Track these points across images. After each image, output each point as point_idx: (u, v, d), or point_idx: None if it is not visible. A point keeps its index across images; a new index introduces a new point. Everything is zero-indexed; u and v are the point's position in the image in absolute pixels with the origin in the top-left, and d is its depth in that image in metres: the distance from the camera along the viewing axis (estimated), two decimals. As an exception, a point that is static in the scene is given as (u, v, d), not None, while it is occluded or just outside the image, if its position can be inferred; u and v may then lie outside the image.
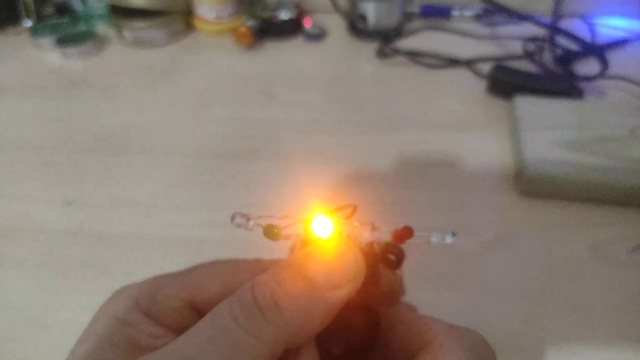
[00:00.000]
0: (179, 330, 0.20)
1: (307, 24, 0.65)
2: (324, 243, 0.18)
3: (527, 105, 0.46)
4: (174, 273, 0.22)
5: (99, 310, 0.20)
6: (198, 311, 0.21)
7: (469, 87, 0.54)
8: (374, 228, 0.19)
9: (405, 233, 0.19)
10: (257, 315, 0.16)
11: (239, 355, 0.16)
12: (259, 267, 0.22)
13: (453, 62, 0.58)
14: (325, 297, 0.17)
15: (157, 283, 0.21)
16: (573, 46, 0.56)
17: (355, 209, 0.20)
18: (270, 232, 0.19)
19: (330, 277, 0.17)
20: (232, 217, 0.20)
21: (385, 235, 0.20)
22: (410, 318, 0.20)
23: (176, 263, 0.37)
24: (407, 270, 0.28)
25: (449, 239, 0.19)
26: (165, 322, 0.20)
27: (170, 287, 0.21)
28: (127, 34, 0.65)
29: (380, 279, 0.20)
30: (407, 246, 0.20)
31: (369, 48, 0.62)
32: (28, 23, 0.70)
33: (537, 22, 0.57)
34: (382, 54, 0.60)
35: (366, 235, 0.19)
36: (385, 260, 0.22)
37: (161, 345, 0.17)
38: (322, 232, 0.19)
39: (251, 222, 0.20)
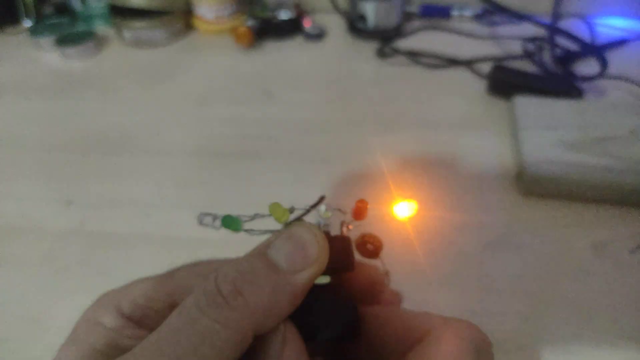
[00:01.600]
0: None
1: (307, 24, 0.65)
2: (285, 229, 0.19)
3: (527, 105, 0.46)
4: (156, 275, 0.22)
5: (81, 316, 0.20)
6: None
7: (469, 87, 0.54)
8: (333, 209, 0.20)
9: (361, 206, 0.20)
10: (221, 303, 0.16)
11: (206, 343, 0.16)
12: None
13: (453, 62, 0.58)
14: (290, 280, 0.17)
15: (139, 287, 0.21)
16: (573, 46, 0.56)
17: (322, 199, 0.21)
18: (229, 223, 0.20)
19: (292, 261, 0.18)
20: (199, 218, 0.21)
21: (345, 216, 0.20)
22: (404, 313, 0.20)
23: (176, 263, 0.37)
24: (408, 269, 0.28)
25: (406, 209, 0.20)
26: (149, 325, 0.20)
27: (152, 290, 0.21)
28: (127, 34, 0.65)
29: (354, 263, 0.20)
30: (405, 246, 0.20)
31: (369, 48, 0.62)
32: (28, 23, 0.70)
33: (537, 22, 0.57)
34: (382, 53, 0.60)
35: (327, 216, 0.20)
36: (363, 251, 0.22)
37: None
38: (278, 216, 0.20)
39: (217, 221, 0.20)
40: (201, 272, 0.22)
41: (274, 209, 0.20)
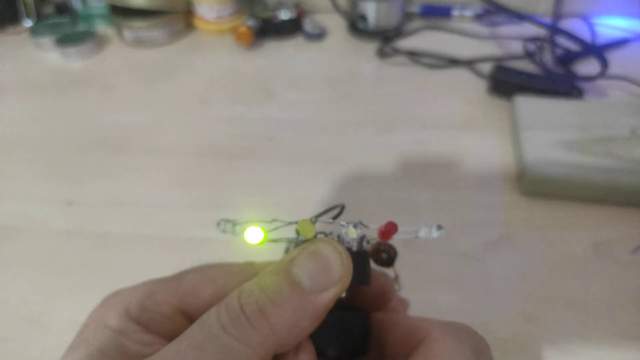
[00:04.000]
0: (169, 337, 0.20)
1: (307, 24, 0.65)
2: (309, 245, 0.18)
3: (528, 105, 0.46)
4: (164, 278, 0.22)
5: (89, 317, 0.20)
6: (189, 318, 0.21)
7: (469, 87, 0.54)
8: (360, 226, 0.19)
9: (390, 229, 0.19)
10: (244, 323, 0.16)
11: None
12: (250, 271, 0.22)
13: (453, 62, 0.58)
14: (313, 300, 0.17)
15: (147, 289, 0.21)
16: (573, 46, 0.56)
17: (342, 208, 0.20)
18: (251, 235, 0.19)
19: (316, 281, 0.17)
20: (218, 225, 0.20)
21: (372, 232, 0.20)
22: (403, 319, 0.20)
23: (176, 263, 0.37)
24: (409, 270, 0.28)
25: (435, 233, 0.20)
26: (156, 330, 0.20)
27: (161, 293, 0.21)
28: (127, 33, 0.65)
29: (371, 278, 0.20)
30: (406, 247, 0.20)
31: (369, 48, 0.62)
32: (28, 23, 0.70)
33: (537, 22, 0.57)
34: (382, 53, 0.60)
35: (353, 236, 0.19)
36: (377, 259, 0.22)
37: (151, 353, 0.17)
38: (306, 234, 0.19)
39: (238, 227, 0.20)
40: (210, 277, 0.22)
41: (303, 227, 0.19)
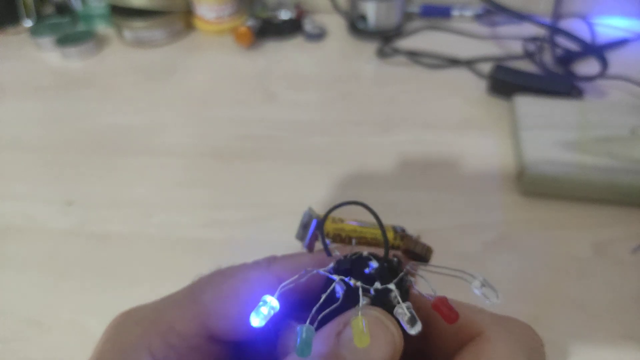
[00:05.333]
0: None
1: (307, 24, 0.65)
2: (358, 322, 0.15)
3: (527, 105, 0.46)
4: (177, 300, 0.20)
5: (103, 352, 0.18)
6: (218, 341, 0.19)
7: (469, 87, 0.54)
8: (413, 310, 0.17)
9: (449, 315, 0.17)
10: None
11: None
12: (270, 274, 0.20)
13: (453, 62, 0.58)
14: None
15: (165, 321, 0.19)
16: (573, 46, 0.56)
17: (381, 226, 0.18)
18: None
19: None
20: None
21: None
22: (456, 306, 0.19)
23: (177, 263, 0.37)
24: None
25: (494, 300, 0.18)
26: None
27: (182, 322, 0.19)
28: (127, 34, 0.65)
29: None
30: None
31: (369, 48, 0.62)
32: (28, 23, 0.70)
33: (537, 22, 0.57)
34: (382, 53, 0.60)
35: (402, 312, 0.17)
36: (410, 257, 0.21)
37: None
38: (361, 343, 0.15)
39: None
40: (231, 292, 0.19)
41: (360, 335, 0.15)
